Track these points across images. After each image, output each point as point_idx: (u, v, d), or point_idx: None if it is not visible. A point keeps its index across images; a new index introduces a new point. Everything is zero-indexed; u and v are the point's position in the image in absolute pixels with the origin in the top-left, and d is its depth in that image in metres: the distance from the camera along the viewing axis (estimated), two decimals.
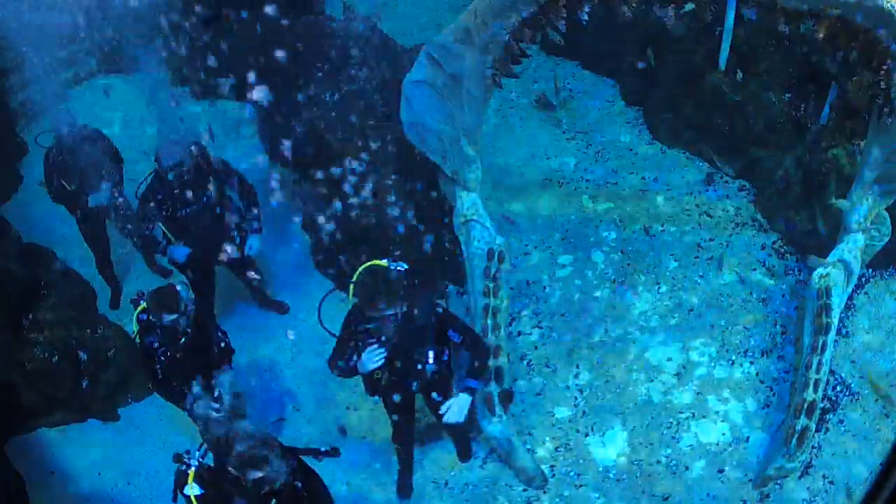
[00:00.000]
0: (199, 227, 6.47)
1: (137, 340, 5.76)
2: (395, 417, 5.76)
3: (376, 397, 5.58)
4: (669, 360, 6.62)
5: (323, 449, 4.91)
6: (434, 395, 5.46)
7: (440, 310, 5.29)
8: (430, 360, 5.24)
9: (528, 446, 6.17)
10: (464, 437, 6.20)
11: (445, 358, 5.32)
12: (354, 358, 5.17)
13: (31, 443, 6.77)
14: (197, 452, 4.50)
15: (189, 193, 6.39)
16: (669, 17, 5.50)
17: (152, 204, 6.38)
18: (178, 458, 4.49)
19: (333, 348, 5.29)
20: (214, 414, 5.57)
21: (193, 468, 4.38)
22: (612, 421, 6.34)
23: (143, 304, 5.69)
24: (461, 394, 5.27)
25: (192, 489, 4.35)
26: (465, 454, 6.28)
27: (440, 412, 5.33)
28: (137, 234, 7.12)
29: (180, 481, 4.43)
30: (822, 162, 6.86)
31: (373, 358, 5.08)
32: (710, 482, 5.97)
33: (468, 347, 5.33)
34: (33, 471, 6.46)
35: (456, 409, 5.27)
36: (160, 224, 6.47)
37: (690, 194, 7.74)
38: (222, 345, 5.84)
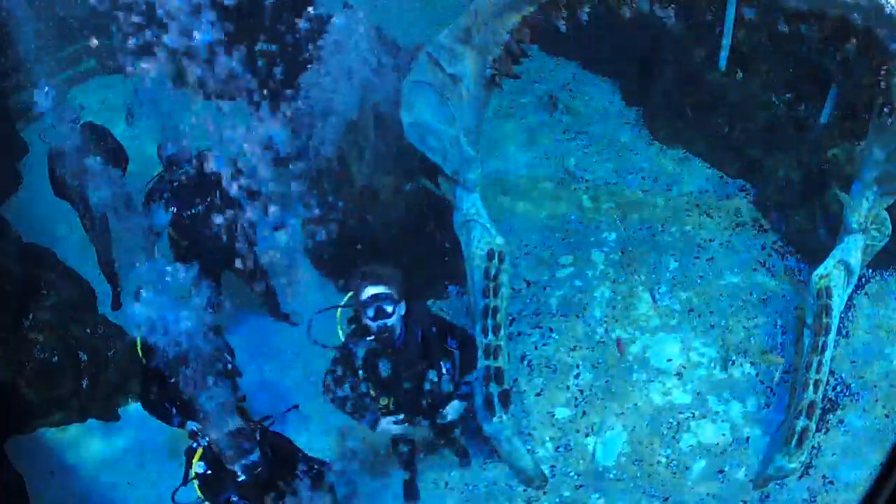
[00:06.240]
0: (205, 230, 6.44)
1: (143, 362, 5.71)
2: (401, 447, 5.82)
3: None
4: (669, 360, 6.62)
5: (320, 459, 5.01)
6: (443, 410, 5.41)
7: (435, 318, 5.28)
8: (445, 372, 5.23)
9: (528, 446, 6.17)
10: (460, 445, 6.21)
11: (448, 368, 5.31)
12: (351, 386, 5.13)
13: (31, 443, 6.77)
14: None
15: (195, 195, 6.37)
16: (670, 17, 5.49)
17: (157, 205, 6.37)
18: (192, 434, 4.64)
19: (328, 368, 5.17)
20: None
21: (202, 447, 4.56)
22: (612, 421, 6.34)
23: None
24: (456, 401, 5.38)
25: (198, 466, 4.54)
26: (464, 457, 6.29)
27: (439, 417, 5.39)
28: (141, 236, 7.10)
29: (189, 458, 4.62)
30: (822, 162, 6.85)
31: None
32: (710, 482, 5.97)
33: (461, 350, 5.34)
34: (33, 471, 6.46)
35: (453, 411, 5.41)
36: (167, 228, 6.45)
37: (690, 194, 7.74)
38: (229, 367, 5.80)
